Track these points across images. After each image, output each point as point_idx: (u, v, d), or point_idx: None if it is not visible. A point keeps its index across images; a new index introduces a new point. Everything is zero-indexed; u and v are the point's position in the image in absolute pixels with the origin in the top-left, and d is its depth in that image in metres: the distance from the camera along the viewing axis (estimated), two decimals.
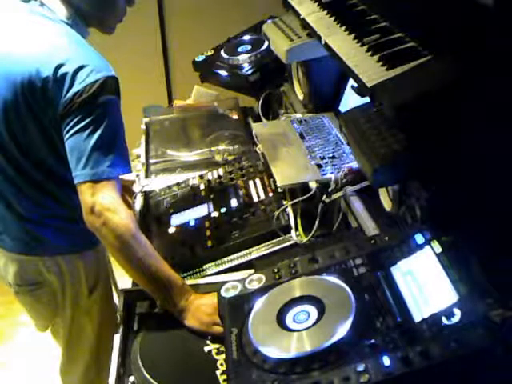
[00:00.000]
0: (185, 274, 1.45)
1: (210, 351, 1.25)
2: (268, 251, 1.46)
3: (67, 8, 1.42)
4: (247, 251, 1.47)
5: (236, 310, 1.15)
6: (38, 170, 1.47)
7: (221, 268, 1.45)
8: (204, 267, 1.47)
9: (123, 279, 1.57)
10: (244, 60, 2.22)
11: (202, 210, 1.64)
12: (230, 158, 1.90)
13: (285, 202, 1.55)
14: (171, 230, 1.61)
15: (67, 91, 1.31)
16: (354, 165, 1.51)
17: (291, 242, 1.46)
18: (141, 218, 1.69)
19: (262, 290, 1.17)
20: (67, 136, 1.33)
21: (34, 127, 1.40)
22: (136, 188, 1.83)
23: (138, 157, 2.02)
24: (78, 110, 1.31)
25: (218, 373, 1.19)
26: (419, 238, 1.10)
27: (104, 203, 1.30)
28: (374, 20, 1.29)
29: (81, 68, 1.31)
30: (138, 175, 1.89)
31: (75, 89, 1.31)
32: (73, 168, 1.33)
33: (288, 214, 1.51)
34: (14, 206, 1.52)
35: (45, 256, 1.57)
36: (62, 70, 1.31)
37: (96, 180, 1.31)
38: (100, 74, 1.32)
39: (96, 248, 1.64)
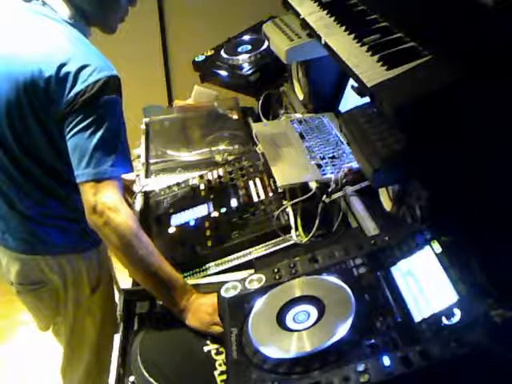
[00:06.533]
0: (185, 274, 1.45)
1: (209, 351, 1.25)
2: (268, 251, 1.46)
3: (69, 8, 1.42)
4: (247, 251, 1.47)
5: (236, 309, 1.15)
6: (40, 169, 1.47)
7: (221, 268, 1.45)
8: (204, 267, 1.47)
9: (123, 279, 1.57)
10: (244, 60, 2.23)
11: (202, 210, 1.64)
12: (230, 157, 1.90)
13: (285, 202, 1.55)
14: (171, 229, 1.61)
15: (69, 91, 1.31)
16: (354, 165, 1.51)
17: (291, 242, 1.46)
18: (141, 218, 1.69)
19: (262, 290, 1.16)
20: (69, 135, 1.33)
21: (36, 127, 1.40)
22: (136, 188, 1.83)
23: (138, 157, 2.02)
24: (80, 109, 1.31)
25: (215, 373, 1.19)
26: (419, 238, 1.10)
27: (106, 202, 1.30)
28: (374, 20, 1.29)
29: (83, 67, 1.32)
30: (138, 175, 1.89)
31: (77, 88, 1.31)
32: (75, 167, 1.33)
33: (288, 214, 1.51)
34: (17, 206, 1.52)
35: (47, 255, 1.57)
36: (64, 70, 1.31)
37: (98, 179, 1.31)
38: (102, 73, 1.32)
39: (98, 247, 1.64)
